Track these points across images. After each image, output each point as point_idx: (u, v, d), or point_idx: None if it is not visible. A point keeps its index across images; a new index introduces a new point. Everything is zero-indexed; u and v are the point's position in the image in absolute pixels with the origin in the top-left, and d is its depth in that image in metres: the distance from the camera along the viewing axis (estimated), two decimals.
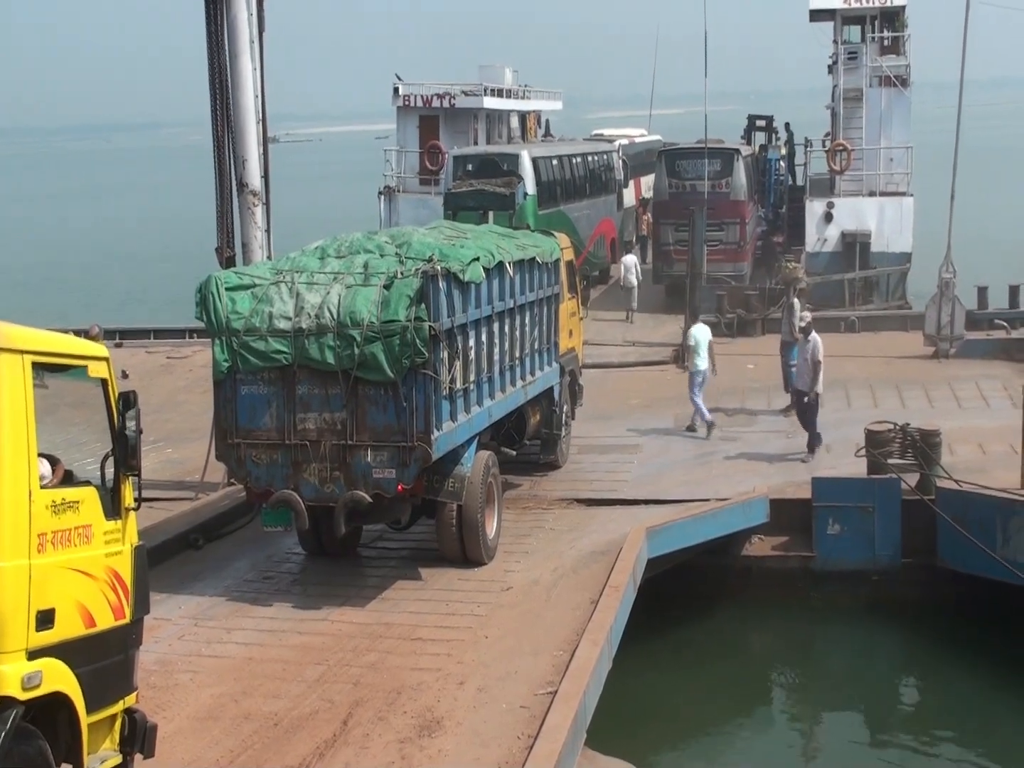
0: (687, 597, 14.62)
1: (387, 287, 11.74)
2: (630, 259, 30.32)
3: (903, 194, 30.20)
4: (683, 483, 15.60)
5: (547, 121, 42.19)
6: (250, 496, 12.32)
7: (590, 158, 32.79)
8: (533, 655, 10.62)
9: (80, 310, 38.00)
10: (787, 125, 38.73)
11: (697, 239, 25.57)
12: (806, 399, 16.13)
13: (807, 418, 16.31)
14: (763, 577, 14.79)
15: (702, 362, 18.05)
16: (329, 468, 11.67)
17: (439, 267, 11.69)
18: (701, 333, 18.25)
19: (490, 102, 34.70)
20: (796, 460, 16.42)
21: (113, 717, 7.75)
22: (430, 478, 12.14)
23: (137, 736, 7.86)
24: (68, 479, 7.62)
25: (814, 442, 16.32)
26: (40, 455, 7.26)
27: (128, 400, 7.87)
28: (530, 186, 28.00)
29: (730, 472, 16.04)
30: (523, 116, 38.41)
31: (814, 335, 16.32)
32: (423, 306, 11.48)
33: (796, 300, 20.47)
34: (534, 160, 28.61)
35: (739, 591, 14.82)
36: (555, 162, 30.03)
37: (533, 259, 14.53)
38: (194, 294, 12.10)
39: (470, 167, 22.24)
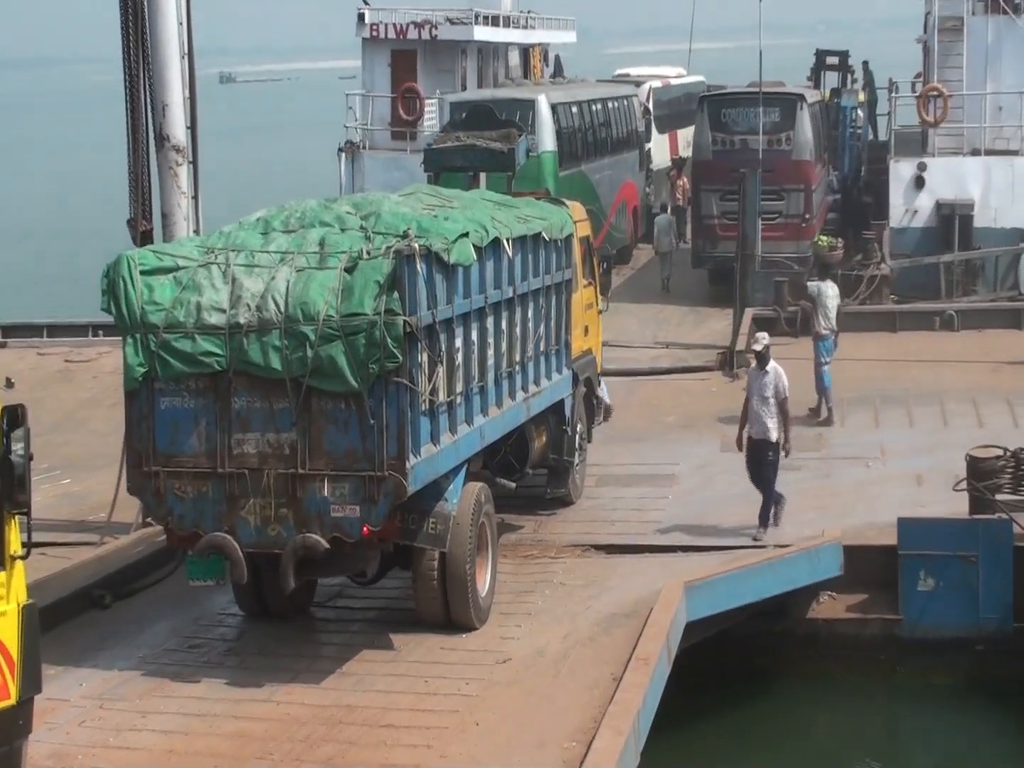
0: (737, 672, 14.60)
1: (349, 271, 11.76)
2: (664, 220, 31.33)
3: (1015, 153, 30.22)
4: (731, 525, 15.60)
5: (556, 57, 42.30)
6: (172, 540, 12.30)
7: (610, 105, 32.93)
8: (538, 747, 10.60)
9: None
10: (866, 64, 38.86)
11: (749, 210, 25.59)
12: (771, 455, 14.90)
13: (765, 476, 15.00)
14: (835, 646, 14.77)
15: None
16: (274, 504, 11.66)
17: (417, 245, 11.71)
18: None
19: (483, 33, 34.73)
20: (877, 496, 16.42)
21: None
22: (405, 518, 12.13)
23: None
24: None
25: (773, 508, 15.07)
26: None
27: (14, 417, 7.86)
28: (549, 140, 28.24)
29: (792, 511, 15.96)
30: (525, 51, 38.50)
31: (773, 365, 15.01)
32: (396, 295, 11.50)
33: (830, 284, 20.63)
34: (553, 107, 28.81)
35: (804, 664, 14.81)
36: (575, 110, 30.34)
37: (538, 235, 14.54)
38: (100, 279, 12.09)
39: (467, 116, 22.32)
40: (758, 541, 14.81)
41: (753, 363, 15.72)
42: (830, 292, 20.33)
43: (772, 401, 14.91)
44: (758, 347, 15.08)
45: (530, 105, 28.26)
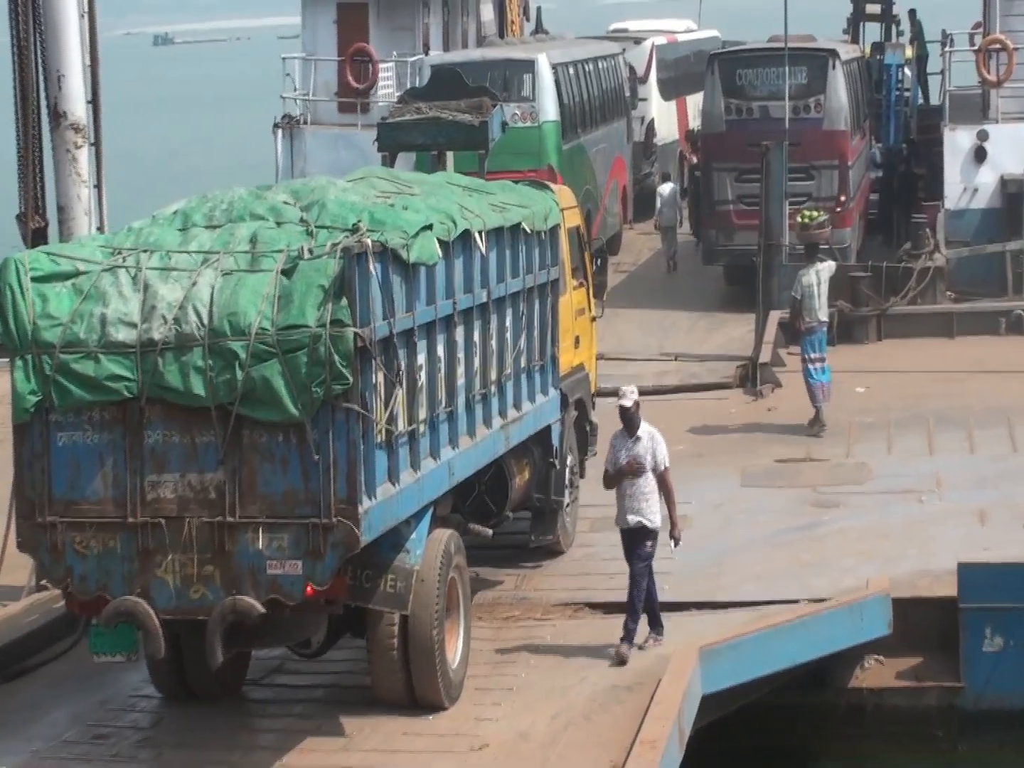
0: (765, 755, 14.62)
1: (287, 274, 11.75)
2: (668, 189, 32.41)
3: None
4: (756, 576, 15.64)
5: (539, 9, 42.52)
6: (72, 606, 12.24)
7: (601, 66, 33.37)
8: None
9: None
10: (912, 13, 38.97)
11: (774, 192, 25.64)
12: (649, 545, 13.68)
13: (636, 570, 13.74)
14: (884, 720, 14.78)
15: None
16: (197, 560, 11.60)
17: (369, 241, 11.71)
18: None
19: None
20: (932, 537, 16.45)
21: None
22: (357, 574, 12.12)
23: None
24: None
25: (638, 604, 13.81)
26: None
27: None
28: (551, 108, 28.77)
29: (830, 557, 16.08)
30: (501, 2, 38.68)
31: (648, 428, 13.80)
32: (344, 302, 11.49)
33: (819, 268, 20.87)
34: (555, 69, 29.13)
35: (847, 743, 14.84)
36: (572, 72, 30.81)
37: (518, 226, 14.58)
38: None
39: (430, 82, 22.45)
40: (646, 649, 13.71)
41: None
42: (817, 278, 20.74)
43: (651, 476, 13.71)
44: (627, 403, 13.66)
45: (528, 66, 28.66)
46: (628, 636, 13.70)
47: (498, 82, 27.95)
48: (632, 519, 13.72)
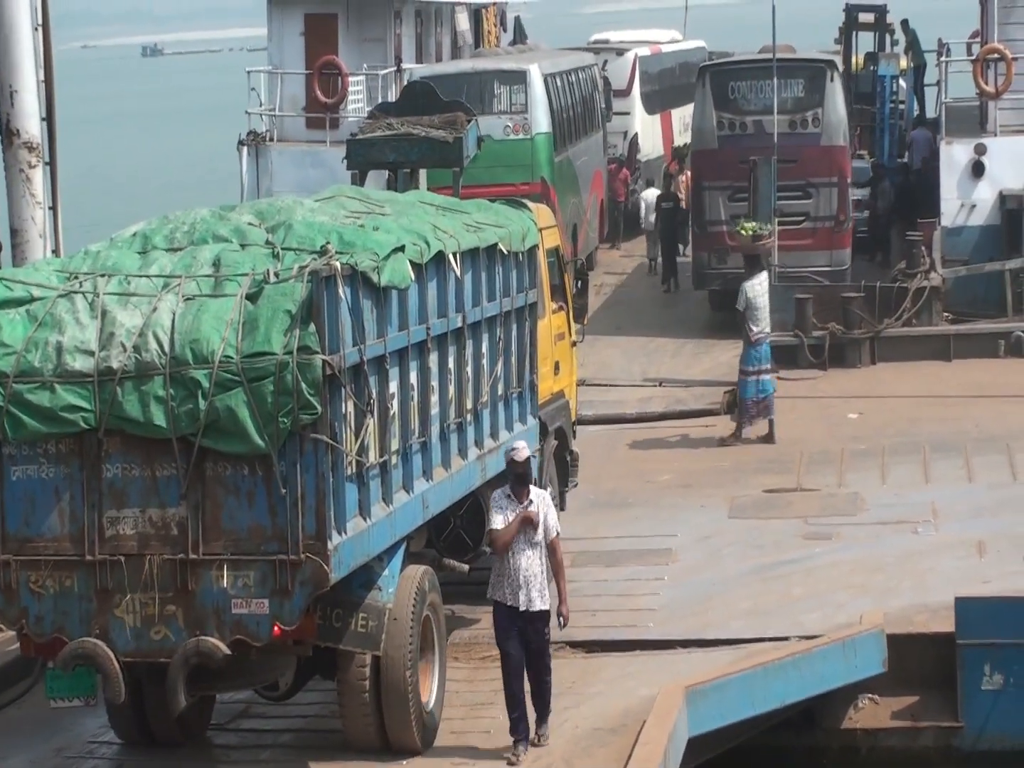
0: None
1: (252, 298, 11.79)
2: (651, 194, 33.84)
3: None
4: (744, 612, 15.67)
5: (517, 19, 42.77)
6: (27, 649, 12.25)
7: (581, 76, 33.77)
8: None
9: None
10: (905, 23, 39.15)
11: (761, 206, 25.70)
12: (547, 631, 12.86)
13: (544, 662, 12.96)
14: (878, 763, 14.81)
15: None
16: (159, 600, 11.62)
17: (338, 263, 11.76)
18: None
19: None
20: (928, 569, 16.50)
21: None
22: (327, 613, 12.14)
23: None
24: None
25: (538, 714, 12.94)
26: None
27: None
28: (544, 119, 29.35)
29: (821, 591, 16.10)
30: (477, 12, 38.85)
31: (539, 492, 13.14)
32: (312, 328, 11.53)
33: (762, 280, 21.50)
34: (546, 80, 29.51)
35: None
36: (559, 82, 31.37)
37: (494, 247, 14.63)
38: None
39: (402, 97, 22.52)
40: (542, 742, 12.88)
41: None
42: (761, 288, 21.45)
43: (541, 549, 12.85)
44: (520, 456, 12.78)
45: (520, 77, 29.11)
46: (524, 735, 12.75)
47: (488, 93, 28.29)
48: (523, 599, 12.67)
